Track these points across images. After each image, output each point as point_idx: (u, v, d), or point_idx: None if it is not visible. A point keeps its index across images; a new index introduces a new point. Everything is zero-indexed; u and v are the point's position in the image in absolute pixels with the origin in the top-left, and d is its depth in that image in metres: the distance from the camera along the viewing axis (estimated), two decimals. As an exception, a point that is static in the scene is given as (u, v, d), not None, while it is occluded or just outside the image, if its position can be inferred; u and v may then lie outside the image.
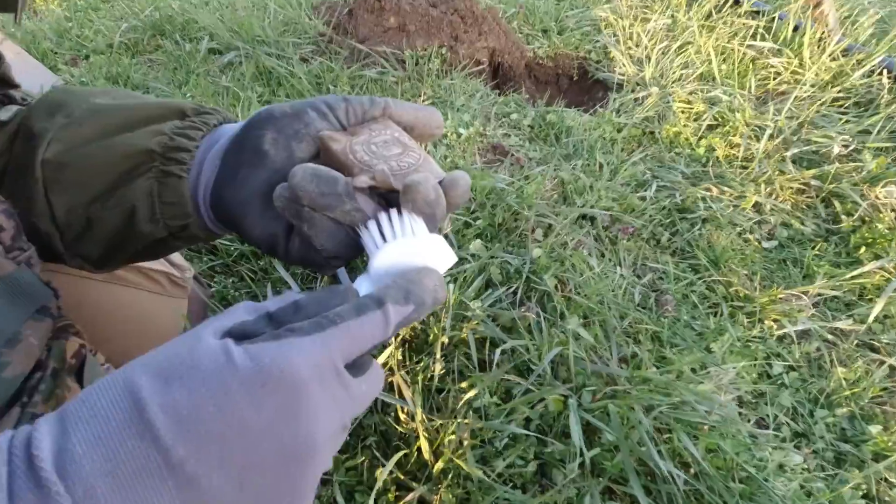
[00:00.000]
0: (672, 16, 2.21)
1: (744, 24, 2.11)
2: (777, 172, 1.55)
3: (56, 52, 1.86)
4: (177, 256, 0.91)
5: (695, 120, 1.75)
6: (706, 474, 0.86)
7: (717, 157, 1.63)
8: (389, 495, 0.82)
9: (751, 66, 1.92)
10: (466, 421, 0.84)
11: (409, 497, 0.80)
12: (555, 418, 0.91)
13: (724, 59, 1.95)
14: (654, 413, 0.90)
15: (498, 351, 0.94)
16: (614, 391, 0.92)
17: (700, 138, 1.69)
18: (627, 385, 0.93)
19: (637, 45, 2.07)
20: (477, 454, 0.86)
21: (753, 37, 2.03)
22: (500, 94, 1.84)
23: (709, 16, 2.18)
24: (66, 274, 0.69)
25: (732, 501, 0.84)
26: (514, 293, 1.09)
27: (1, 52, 0.54)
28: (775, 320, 1.19)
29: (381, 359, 0.89)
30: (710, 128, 1.73)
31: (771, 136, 1.65)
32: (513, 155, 1.49)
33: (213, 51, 1.83)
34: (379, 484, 0.79)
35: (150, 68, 1.83)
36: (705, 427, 0.90)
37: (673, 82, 1.88)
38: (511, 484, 0.84)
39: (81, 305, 0.73)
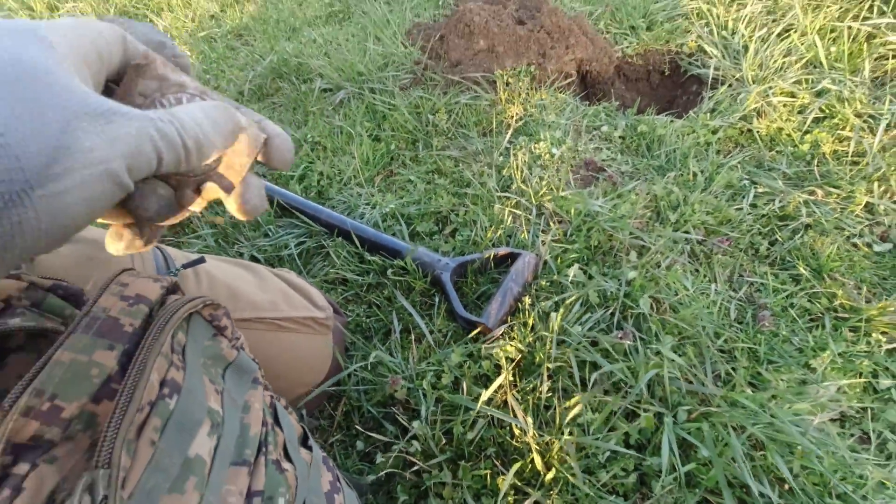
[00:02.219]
0: (773, -6, 2.09)
1: (857, -5, 1.96)
2: (893, 168, 1.48)
3: (200, 104, 2.20)
4: (319, 299, 1.12)
5: (799, 113, 1.69)
6: (800, 491, 0.93)
7: (824, 154, 1.58)
8: (510, 499, 0.98)
9: (864, 45, 1.79)
10: (572, 438, 0.98)
11: (527, 502, 0.96)
12: (653, 433, 1.02)
13: (834, 41, 1.84)
14: (748, 433, 0.98)
15: (596, 373, 1.07)
16: (708, 412, 1.01)
17: (804, 133, 1.64)
18: (722, 404, 1.01)
19: (733, 34, 2.00)
20: (583, 465, 1.00)
21: (870, 10, 1.89)
22: (589, 104, 1.89)
23: (815, -8, 2.04)
24: (243, 329, 0.91)
25: (828, 516, 0.91)
26: (612, 315, 1.20)
27: None
28: (884, 332, 1.19)
29: (496, 383, 1.05)
30: (816, 121, 1.67)
31: (888, 127, 1.56)
32: (605, 171, 1.57)
33: (325, 90, 2.06)
34: (503, 490, 0.96)
35: (274, 110, 2.10)
36: (799, 447, 0.96)
37: (774, 73, 1.81)
38: (614, 494, 0.97)
39: (255, 352, 0.96)
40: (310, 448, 0.78)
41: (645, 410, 1.02)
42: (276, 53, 2.28)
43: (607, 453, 1.01)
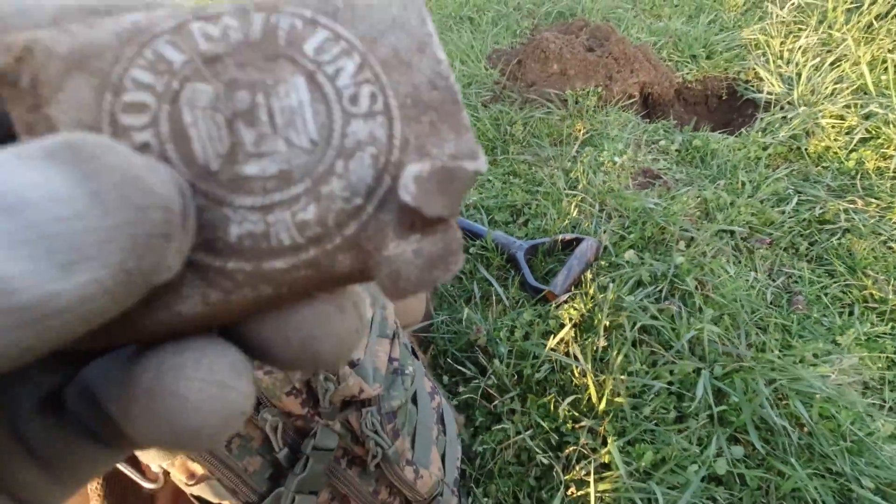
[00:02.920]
0: (828, 27, 2.27)
1: (911, 29, 2.11)
2: (932, 183, 1.63)
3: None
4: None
5: (846, 134, 1.86)
6: (818, 434, 1.12)
7: (867, 170, 1.74)
8: (568, 425, 1.22)
9: (914, 75, 1.94)
10: (623, 377, 1.21)
11: (582, 424, 1.19)
12: (692, 385, 1.23)
13: (885, 70, 2.00)
14: (775, 385, 1.18)
15: (639, 329, 1.29)
16: (740, 367, 1.21)
17: (850, 151, 1.81)
18: (753, 364, 1.22)
19: (787, 63, 2.19)
20: (630, 402, 1.22)
21: (921, 43, 2.04)
22: (649, 122, 2.13)
23: (869, 26, 2.21)
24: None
25: (840, 455, 1.09)
26: (660, 292, 1.42)
27: None
28: (909, 320, 1.35)
29: (561, 334, 1.30)
30: (862, 140, 1.83)
31: (930, 147, 1.71)
32: (661, 178, 1.80)
33: (416, 104, 2.41)
34: (561, 414, 1.20)
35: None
36: (818, 396, 1.15)
37: (825, 98, 1.99)
38: (656, 422, 1.19)
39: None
40: (416, 357, 1.07)
41: (684, 363, 1.24)
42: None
43: (651, 396, 1.22)
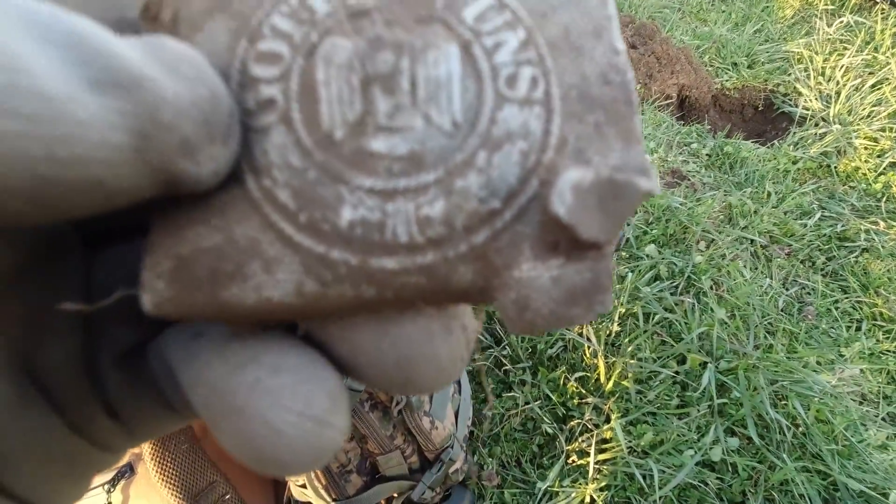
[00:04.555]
0: (874, 49, 2.27)
1: (957, 59, 2.11)
2: (956, 213, 1.65)
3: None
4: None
5: (878, 156, 1.89)
6: (812, 435, 1.18)
7: (894, 194, 1.77)
8: (574, 400, 1.29)
9: (954, 105, 1.95)
10: (632, 361, 1.28)
11: (588, 400, 1.26)
12: (697, 376, 1.29)
13: (925, 97, 2.01)
14: (776, 385, 1.23)
15: (652, 320, 1.35)
16: (745, 364, 1.27)
17: (879, 174, 1.84)
18: (758, 363, 1.27)
19: (828, 81, 2.20)
20: (636, 386, 1.29)
21: (965, 74, 2.04)
22: (683, 124, 2.16)
23: (916, 52, 2.20)
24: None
25: (830, 456, 1.15)
26: (676, 287, 1.47)
27: None
28: (914, 341, 1.39)
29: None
30: (893, 165, 1.86)
31: (959, 178, 1.73)
32: (689, 180, 1.84)
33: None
34: (569, 390, 1.27)
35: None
36: (816, 399, 1.20)
37: (861, 119, 2.01)
38: (659, 407, 1.25)
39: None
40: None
41: (692, 355, 1.30)
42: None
43: (657, 382, 1.29)
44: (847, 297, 1.50)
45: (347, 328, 0.14)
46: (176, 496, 0.71)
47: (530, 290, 0.13)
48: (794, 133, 2.03)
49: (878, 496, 1.10)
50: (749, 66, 2.39)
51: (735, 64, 2.41)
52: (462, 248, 0.13)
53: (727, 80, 2.34)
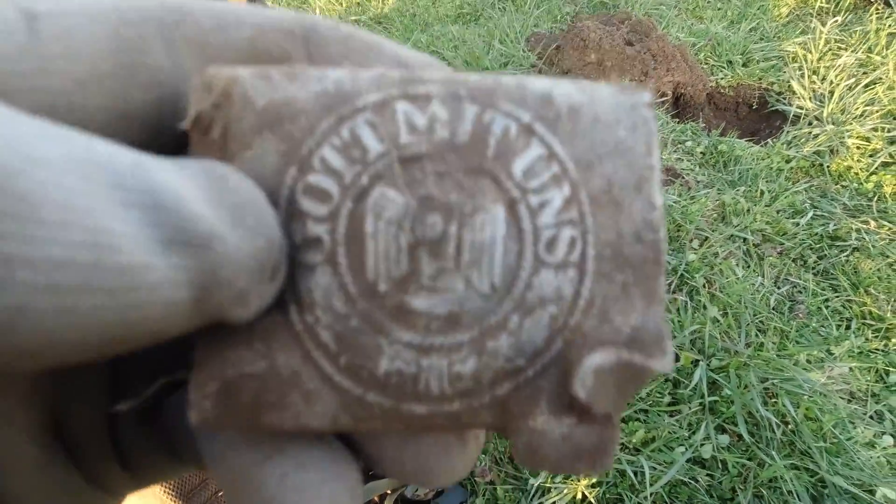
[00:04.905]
0: (868, 49, 2.28)
1: (950, 60, 2.12)
2: (946, 213, 1.67)
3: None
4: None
5: (870, 156, 1.90)
6: (801, 432, 1.19)
7: (885, 193, 1.78)
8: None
9: (945, 106, 1.97)
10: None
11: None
12: (689, 374, 1.31)
13: (917, 98, 2.02)
14: (767, 383, 1.24)
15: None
16: (737, 363, 1.28)
17: (871, 174, 1.85)
18: (749, 361, 1.28)
19: (822, 80, 2.21)
20: (628, 384, 1.29)
21: (957, 75, 2.05)
22: (678, 122, 2.16)
23: (909, 52, 2.22)
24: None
25: (819, 453, 1.16)
26: (669, 285, 1.48)
27: None
28: (902, 340, 1.41)
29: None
30: (884, 164, 1.87)
31: (950, 178, 1.75)
32: (683, 178, 1.84)
33: (451, 78, 2.44)
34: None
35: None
36: (806, 396, 1.22)
37: (854, 119, 2.02)
38: (651, 404, 1.26)
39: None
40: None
41: (684, 353, 1.31)
42: (412, 42, 2.68)
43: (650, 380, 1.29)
44: (837, 296, 1.52)
45: (374, 439, 0.16)
46: (169, 494, 0.71)
47: (542, 441, 0.15)
48: (788, 132, 2.04)
49: (865, 493, 1.12)
50: (744, 65, 2.39)
51: (730, 62, 2.42)
52: (486, 400, 0.15)
53: (722, 79, 2.34)
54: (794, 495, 1.11)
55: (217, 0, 0.15)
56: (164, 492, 0.70)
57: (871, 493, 1.11)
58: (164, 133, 0.15)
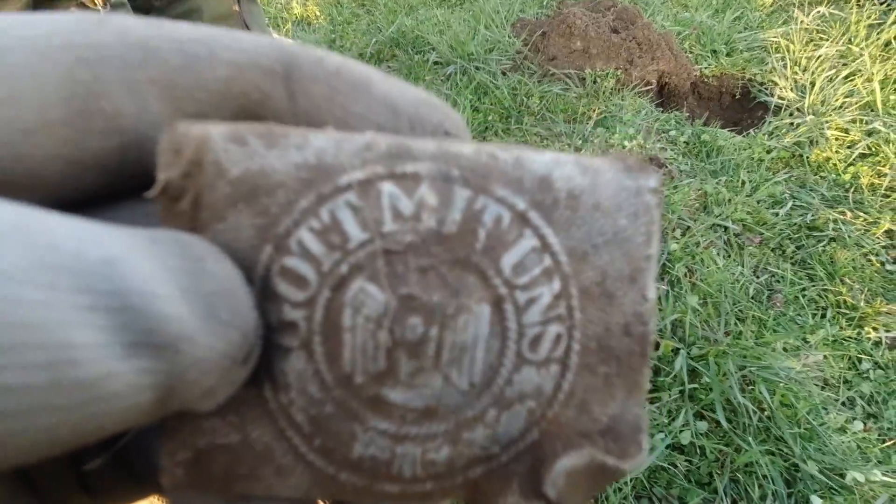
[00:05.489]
0: (848, 41, 2.31)
1: (927, 53, 2.15)
2: (919, 205, 1.71)
3: (327, 59, 2.59)
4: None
5: (847, 147, 1.93)
6: (776, 418, 1.22)
7: (861, 185, 1.82)
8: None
9: (921, 98, 2.01)
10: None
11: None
12: (669, 362, 1.33)
13: (895, 90, 2.06)
14: (744, 371, 1.27)
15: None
16: (716, 351, 1.31)
17: (848, 165, 1.88)
18: (728, 350, 1.31)
19: (804, 71, 2.24)
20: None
21: (933, 68, 2.09)
22: (662, 111, 2.17)
23: (888, 45, 2.25)
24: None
25: (793, 439, 1.19)
26: (652, 274, 1.50)
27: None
28: (874, 328, 1.45)
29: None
30: (862, 156, 1.90)
31: (923, 170, 1.79)
32: (666, 167, 1.86)
33: (436, 63, 2.41)
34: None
35: (388, 73, 2.46)
36: (782, 385, 1.25)
37: (833, 110, 2.05)
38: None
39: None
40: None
41: (665, 341, 1.33)
42: (395, 25, 2.64)
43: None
44: (814, 286, 1.55)
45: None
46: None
47: None
48: (770, 122, 2.06)
49: (836, 476, 1.16)
50: (728, 54, 2.40)
51: (714, 51, 2.43)
52: (458, 481, 0.15)
53: (706, 68, 2.35)
54: (769, 480, 1.15)
55: (189, 28, 0.13)
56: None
57: (842, 476, 1.15)
58: (128, 177, 0.14)
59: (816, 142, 1.96)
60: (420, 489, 0.15)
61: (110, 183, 0.14)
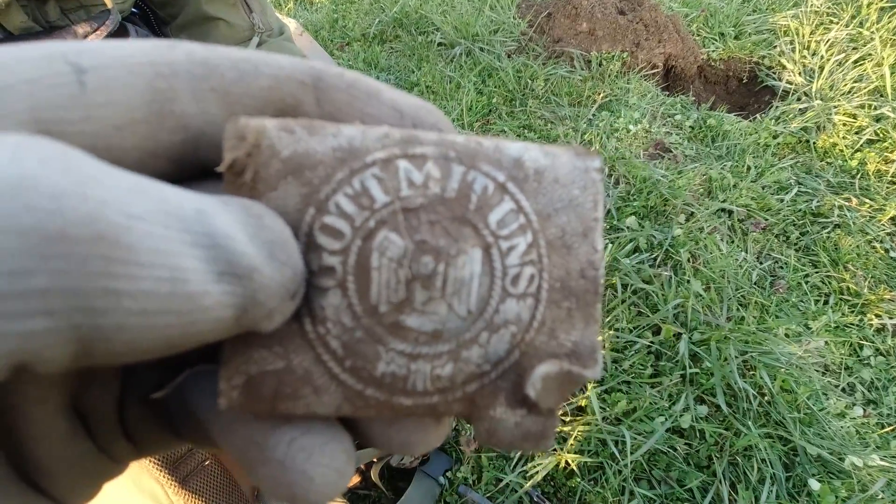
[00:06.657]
0: (859, 24, 2.27)
1: (939, 37, 2.12)
2: (925, 192, 1.70)
3: (330, 40, 2.55)
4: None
5: (855, 133, 1.91)
6: (776, 403, 1.23)
7: (868, 171, 1.80)
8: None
9: (931, 84, 1.98)
10: (609, 332, 1.30)
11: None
12: (672, 346, 1.33)
13: (904, 75, 2.03)
14: (746, 356, 1.27)
15: (630, 290, 1.37)
16: (718, 336, 1.31)
17: (855, 151, 1.86)
18: (730, 335, 1.31)
19: (813, 55, 2.20)
20: (612, 356, 1.32)
21: (945, 53, 2.06)
22: (668, 95, 2.14)
23: (899, 28, 2.21)
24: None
25: (792, 423, 1.20)
26: (655, 259, 1.49)
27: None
28: (877, 315, 1.45)
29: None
30: (869, 142, 1.89)
31: (931, 157, 1.77)
32: (671, 152, 1.84)
33: (440, 44, 2.38)
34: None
35: (392, 54, 2.43)
36: (782, 370, 1.25)
37: (841, 95, 2.02)
38: (633, 376, 1.29)
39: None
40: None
41: (667, 325, 1.33)
42: (399, 5, 2.60)
43: (633, 353, 1.32)
44: (817, 272, 1.54)
45: (365, 420, 0.20)
46: (156, 465, 0.70)
47: (498, 427, 0.19)
48: (777, 107, 2.04)
49: (835, 460, 1.16)
50: (736, 37, 2.37)
51: (722, 34, 2.39)
52: (458, 395, 0.18)
53: (713, 51, 2.32)
54: (768, 463, 1.15)
55: (240, 50, 0.18)
56: (152, 462, 0.70)
57: (841, 460, 1.16)
58: (187, 166, 0.18)
59: (823, 127, 1.94)
60: (428, 402, 0.18)
61: (173, 171, 0.17)
